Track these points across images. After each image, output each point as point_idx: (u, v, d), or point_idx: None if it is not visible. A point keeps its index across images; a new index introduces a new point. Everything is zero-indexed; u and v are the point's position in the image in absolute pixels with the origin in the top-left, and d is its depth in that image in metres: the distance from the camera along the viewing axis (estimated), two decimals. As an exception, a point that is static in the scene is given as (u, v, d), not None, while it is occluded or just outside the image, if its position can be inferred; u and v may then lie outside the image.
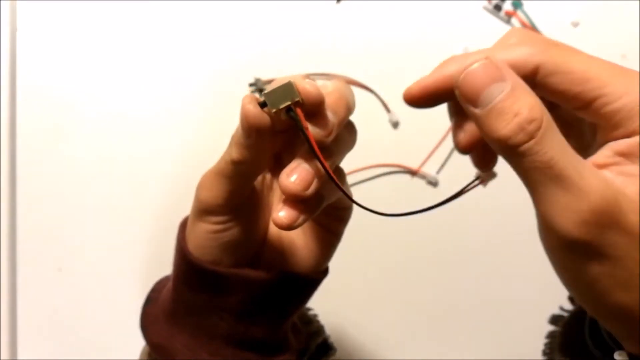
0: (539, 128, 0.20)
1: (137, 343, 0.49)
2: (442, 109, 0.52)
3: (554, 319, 0.40)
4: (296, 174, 0.26)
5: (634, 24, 0.49)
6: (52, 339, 0.50)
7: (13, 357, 0.49)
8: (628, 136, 0.21)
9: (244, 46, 0.50)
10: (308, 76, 0.29)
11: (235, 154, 0.27)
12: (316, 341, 0.41)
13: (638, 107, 0.20)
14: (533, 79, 0.22)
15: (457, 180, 0.50)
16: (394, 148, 0.49)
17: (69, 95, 0.50)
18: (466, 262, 0.49)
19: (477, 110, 0.21)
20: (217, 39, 0.50)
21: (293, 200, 0.27)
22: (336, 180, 0.26)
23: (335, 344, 0.46)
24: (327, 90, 0.27)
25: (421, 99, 0.25)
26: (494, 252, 0.49)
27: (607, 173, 0.21)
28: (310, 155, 0.26)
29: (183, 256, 0.32)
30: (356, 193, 0.50)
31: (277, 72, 0.49)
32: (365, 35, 0.50)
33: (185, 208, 0.49)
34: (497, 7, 0.49)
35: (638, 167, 0.20)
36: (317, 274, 0.34)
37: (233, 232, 0.30)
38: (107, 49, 0.50)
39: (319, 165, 0.26)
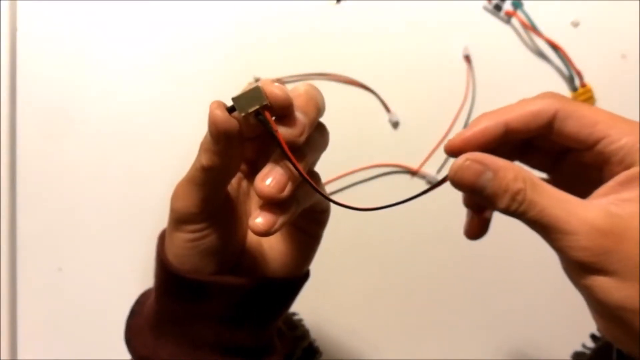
0: (525, 194, 0.25)
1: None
2: (441, 110, 0.52)
3: (577, 356, 0.39)
4: (271, 177, 0.27)
5: (634, 24, 0.49)
6: (52, 339, 0.50)
7: (13, 357, 0.49)
8: (628, 169, 0.25)
9: (244, 46, 0.50)
10: (280, 80, 0.29)
11: (205, 161, 0.28)
12: (302, 345, 0.41)
13: (637, 145, 0.25)
14: (552, 122, 0.27)
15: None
16: (394, 148, 0.49)
17: (69, 95, 0.50)
18: (452, 262, 0.49)
19: (479, 196, 0.26)
20: (217, 39, 0.50)
21: (269, 203, 0.28)
22: (309, 179, 0.27)
23: (321, 348, 0.46)
24: (297, 92, 0.28)
25: (462, 149, 0.28)
26: (485, 251, 0.49)
27: (605, 200, 0.25)
28: (283, 158, 0.27)
29: (163, 267, 0.32)
30: (356, 193, 0.50)
31: (277, 72, 0.49)
32: (365, 35, 0.50)
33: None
34: (497, 7, 0.49)
35: (634, 192, 0.24)
36: (297, 278, 0.34)
37: (211, 240, 0.30)
38: (107, 49, 0.50)
39: (292, 168, 0.26)
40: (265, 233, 0.27)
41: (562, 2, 0.49)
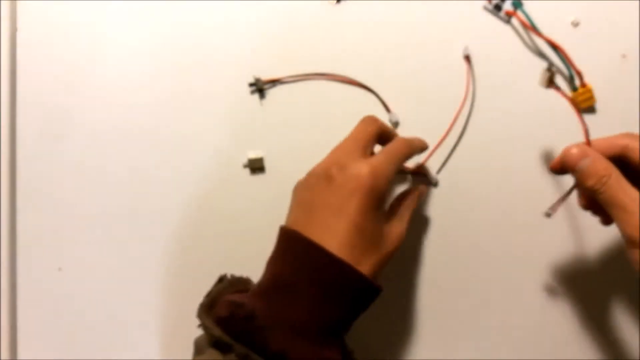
0: (607, 179, 0.37)
1: (138, 343, 0.50)
2: (441, 110, 0.52)
3: None
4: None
5: (634, 24, 0.49)
6: (52, 339, 0.50)
7: (13, 357, 0.49)
8: None
9: (243, 46, 0.50)
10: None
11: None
12: None
13: None
14: (622, 151, 0.39)
15: (457, 180, 0.50)
16: (394, 148, 0.49)
17: (70, 95, 0.50)
18: (458, 262, 0.50)
19: (576, 173, 0.39)
20: (217, 39, 0.50)
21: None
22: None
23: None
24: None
25: (557, 170, 0.41)
26: (485, 252, 0.49)
27: None
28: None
29: (355, 278, 0.36)
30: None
31: (277, 72, 0.49)
32: (365, 35, 0.50)
33: (184, 208, 0.50)
34: (497, 7, 0.49)
35: None
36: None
37: None
38: (108, 48, 0.50)
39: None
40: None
41: (562, 2, 0.49)
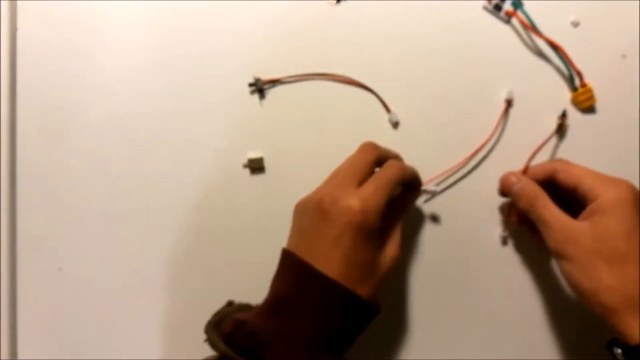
0: (534, 201, 0.42)
1: (138, 343, 0.50)
2: (441, 110, 0.52)
3: None
4: None
5: (634, 24, 0.49)
6: (52, 339, 0.50)
7: (13, 357, 0.49)
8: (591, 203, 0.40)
9: (244, 46, 0.50)
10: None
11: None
12: None
13: (595, 190, 0.40)
14: (552, 174, 0.43)
15: (456, 178, 0.50)
16: (394, 148, 0.49)
17: (70, 95, 0.50)
18: (456, 264, 0.50)
19: (511, 196, 0.45)
20: (217, 39, 0.50)
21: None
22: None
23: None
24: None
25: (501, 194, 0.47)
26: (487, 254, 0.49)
27: (581, 219, 0.40)
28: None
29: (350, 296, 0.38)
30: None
31: (277, 72, 0.49)
32: (365, 35, 0.50)
33: (184, 208, 0.50)
34: (497, 7, 0.49)
35: (590, 217, 0.40)
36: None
37: None
38: (108, 48, 0.50)
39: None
40: None
41: (562, 2, 0.49)
